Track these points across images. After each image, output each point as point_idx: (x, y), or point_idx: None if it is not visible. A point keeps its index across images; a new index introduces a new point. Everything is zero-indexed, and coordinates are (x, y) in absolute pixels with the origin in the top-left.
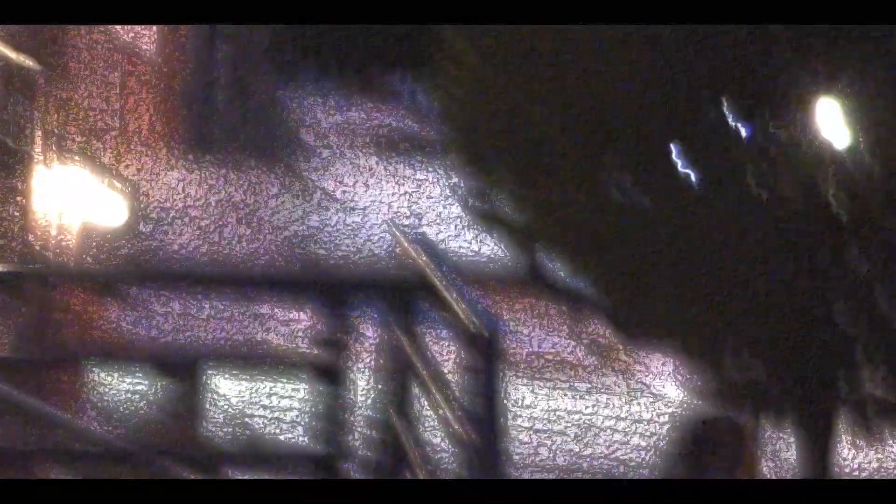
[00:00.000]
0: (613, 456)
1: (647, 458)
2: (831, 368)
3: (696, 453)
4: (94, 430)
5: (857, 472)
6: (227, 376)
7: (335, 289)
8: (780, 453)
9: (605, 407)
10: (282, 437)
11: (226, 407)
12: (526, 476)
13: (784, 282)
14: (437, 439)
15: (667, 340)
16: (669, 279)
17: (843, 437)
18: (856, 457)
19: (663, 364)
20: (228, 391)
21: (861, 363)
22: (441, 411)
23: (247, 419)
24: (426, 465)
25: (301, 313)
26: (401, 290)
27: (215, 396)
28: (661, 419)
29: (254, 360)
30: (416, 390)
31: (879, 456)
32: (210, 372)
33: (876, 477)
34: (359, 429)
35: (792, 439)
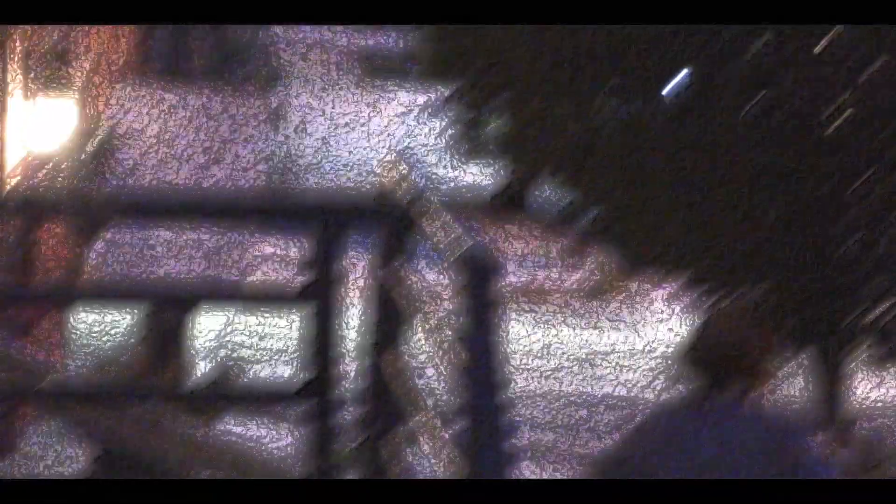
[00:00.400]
0: (616, 390)
1: (649, 390)
2: (841, 299)
3: (705, 375)
4: (79, 372)
5: (869, 402)
6: (213, 312)
7: (323, 220)
8: (793, 383)
9: (606, 338)
10: (269, 374)
11: (212, 344)
12: (523, 409)
13: (792, 211)
14: (430, 378)
15: (673, 269)
16: (677, 209)
17: (854, 366)
18: (865, 387)
19: (667, 292)
20: (215, 327)
21: (871, 295)
22: (434, 349)
23: (234, 356)
24: (416, 405)
25: (288, 245)
26: (392, 222)
27: (202, 333)
28: (664, 348)
29: (241, 294)
30: (408, 325)
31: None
32: (196, 308)
33: (881, 404)
34: (348, 366)
35: (804, 369)
